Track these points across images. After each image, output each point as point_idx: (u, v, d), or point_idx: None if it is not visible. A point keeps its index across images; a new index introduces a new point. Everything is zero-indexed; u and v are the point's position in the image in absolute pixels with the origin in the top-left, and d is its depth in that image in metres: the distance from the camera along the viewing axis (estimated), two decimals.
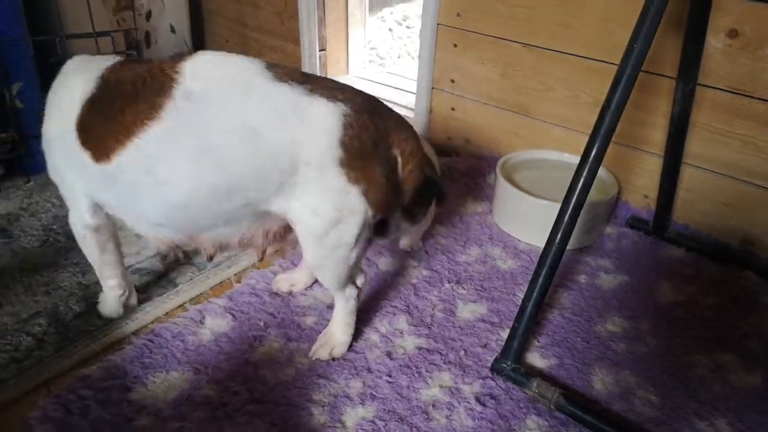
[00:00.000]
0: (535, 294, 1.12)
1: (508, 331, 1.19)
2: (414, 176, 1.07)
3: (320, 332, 1.21)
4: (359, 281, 1.18)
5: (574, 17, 1.59)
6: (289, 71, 0.98)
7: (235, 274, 1.41)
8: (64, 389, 1.06)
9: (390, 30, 3.03)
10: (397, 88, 2.34)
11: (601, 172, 1.54)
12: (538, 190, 1.54)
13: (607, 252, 1.51)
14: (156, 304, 1.29)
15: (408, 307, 1.30)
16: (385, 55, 2.84)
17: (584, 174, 1.10)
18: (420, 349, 1.20)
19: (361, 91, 1.03)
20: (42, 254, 1.43)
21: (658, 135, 1.55)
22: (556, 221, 1.12)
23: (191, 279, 1.38)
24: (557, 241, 1.11)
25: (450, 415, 1.05)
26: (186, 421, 1.02)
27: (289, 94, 0.94)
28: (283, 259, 1.45)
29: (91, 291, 1.32)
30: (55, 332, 1.20)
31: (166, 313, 1.28)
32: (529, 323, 1.13)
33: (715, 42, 1.38)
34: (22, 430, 0.99)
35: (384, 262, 1.44)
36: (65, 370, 1.12)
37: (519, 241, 1.55)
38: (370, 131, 0.97)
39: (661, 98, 1.52)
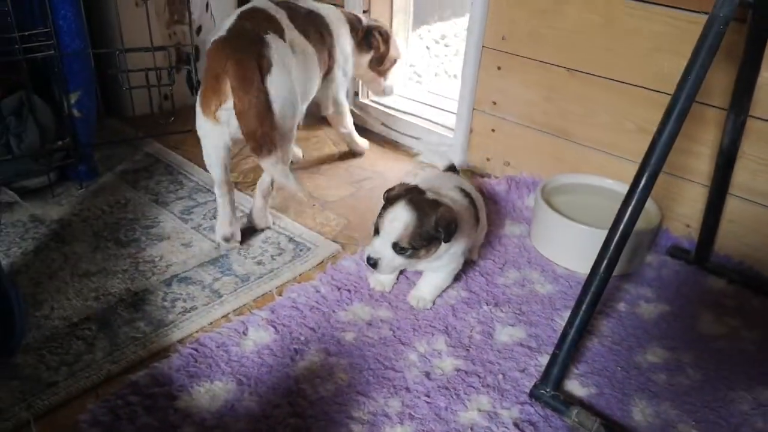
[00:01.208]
0: (577, 321, 1.12)
1: (546, 356, 1.19)
2: None
3: (360, 348, 1.23)
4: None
5: (620, 43, 1.60)
6: None
7: (276, 287, 1.44)
8: (112, 394, 1.10)
9: (427, 48, 3.06)
10: (437, 107, 2.36)
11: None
12: (577, 215, 1.54)
13: (648, 280, 1.50)
14: (201, 313, 1.33)
15: (446, 327, 1.32)
16: (423, 73, 2.87)
17: (633, 203, 1.10)
18: (458, 370, 1.20)
19: None
20: (92, 259, 1.48)
21: (703, 165, 1.54)
22: (602, 249, 1.12)
23: (235, 290, 1.41)
24: (602, 269, 1.11)
25: None
26: (229, 431, 1.04)
27: None
28: (323, 273, 1.47)
29: (139, 298, 1.36)
30: (104, 337, 1.24)
31: (211, 323, 1.31)
32: (570, 350, 1.13)
33: (767, 73, 1.37)
34: None
35: None
36: (113, 375, 1.15)
37: (557, 265, 1.55)
38: None
39: (708, 128, 1.51)
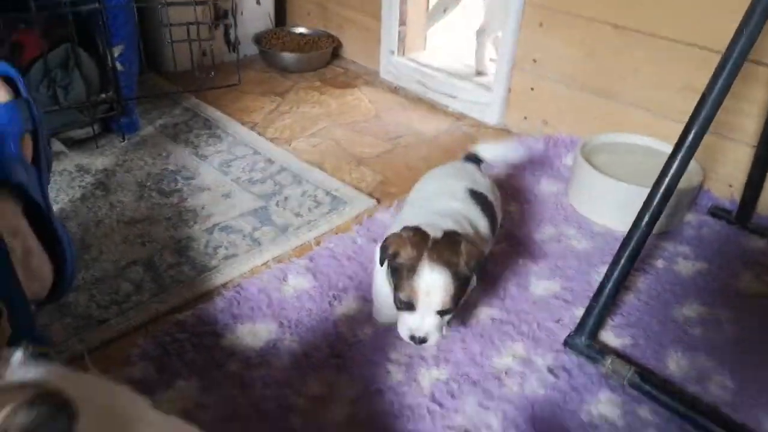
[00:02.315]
0: (616, 274, 1.12)
1: (581, 309, 1.20)
2: None
3: None
4: None
5: None
6: None
7: (314, 238, 1.47)
8: (161, 332, 1.15)
9: (463, 6, 3.01)
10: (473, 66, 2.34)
11: None
12: (617, 173, 1.53)
13: (687, 239, 1.49)
14: (242, 260, 1.37)
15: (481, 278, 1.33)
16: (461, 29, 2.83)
17: (678, 160, 1.09)
18: (493, 319, 1.22)
19: None
20: (137, 208, 1.53)
21: (750, 124, 1.51)
22: (644, 204, 1.11)
23: (274, 239, 1.45)
24: (644, 223, 1.10)
25: (522, 383, 1.08)
26: (272, 369, 1.08)
27: None
28: (360, 225, 1.50)
29: (183, 245, 1.40)
30: (150, 280, 1.29)
31: (251, 270, 1.35)
32: (607, 302, 1.13)
33: None
34: (124, 365, 1.08)
35: None
36: (161, 314, 1.20)
37: (595, 223, 1.54)
38: None
39: (758, 86, 1.47)
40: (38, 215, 1.12)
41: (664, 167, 1.11)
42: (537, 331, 1.19)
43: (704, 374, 1.11)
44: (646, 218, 1.11)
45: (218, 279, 1.31)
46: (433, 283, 0.99)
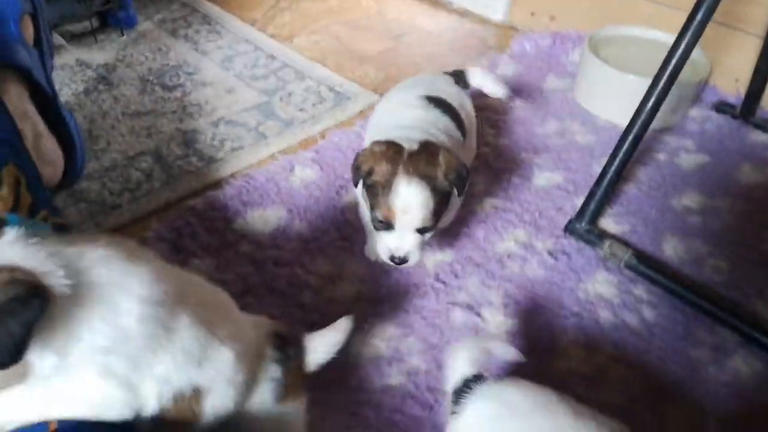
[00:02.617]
0: (617, 160, 1.14)
1: (582, 198, 1.22)
2: None
3: None
4: None
5: None
6: None
7: (319, 132, 1.47)
8: (174, 217, 1.18)
9: None
10: None
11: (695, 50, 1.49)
12: (624, 66, 1.51)
13: (690, 133, 1.49)
14: (249, 152, 1.38)
15: (484, 169, 1.35)
16: None
17: (682, 46, 1.08)
18: (496, 208, 1.25)
19: None
20: (141, 102, 1.52)
21: (759, 13, 1.47)
22: (647, 92, 1.12)
23: (279, 133, 1.45)
24: (648, 108, 1.11)
25: (523, 265, 1.12)
26: (282, 250, 1.12)
27: None
28: (364, 120, 1.50)
29: (189, 137, 1.41)
30: (160, 169, 1.31)
31: (258, 162, 1.36)
32: (608, 188, 1.16)
33: None
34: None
35: None
36: (172, 201, 1.23)
37: (599, 118, 1.55)
38: None
39: None
40: (44, 101, 1.13)
41: (668, 53, 1.10)
42: (538, 219, 1.23)
43: (700, 258, 1.16)
44: (650, 103, 1.11)
45: (226, 169, 1.33)
46: (410, 200, 0.92)
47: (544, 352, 0.98)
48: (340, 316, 0.99)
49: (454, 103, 1.15)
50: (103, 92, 1.54)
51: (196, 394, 0.61)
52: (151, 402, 0.58)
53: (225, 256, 1.10)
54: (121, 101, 1.52)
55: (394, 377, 0.93)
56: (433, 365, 0.95)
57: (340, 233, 1.17)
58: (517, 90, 1.63)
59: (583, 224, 1.17)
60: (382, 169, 0.94)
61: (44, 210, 0.81)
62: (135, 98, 1.53)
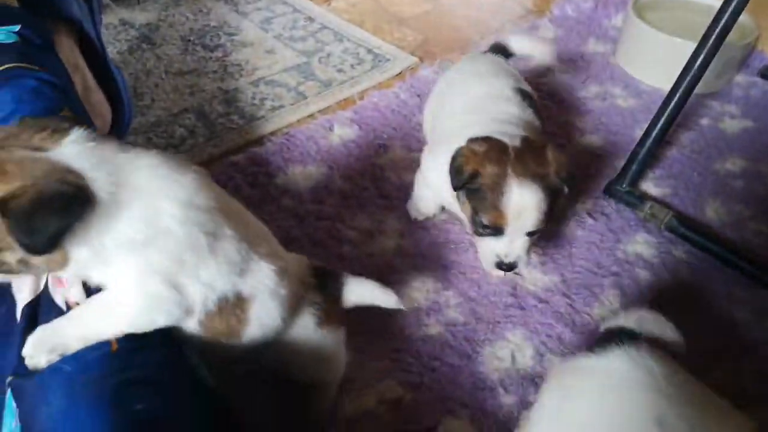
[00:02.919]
0: (661, 123, 1.13)
1: (622, 161, 1.21)
2: None
3: None
4: None
5: None
6: None
7: (358, 93, 1.48)
8: (217, 171, 1.20)
9: None
10: None
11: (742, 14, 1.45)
12: (669, 30, 1.48)
13: (735, 99, 1.46)
14: (289, 111, 1.40)
15: None
16: None
17: (728, 12, 1.05)
18: None
19: None
20: (183, 61, 1.54)
21: None
22: (692, 55, 1.10)
23: (319, 93, 1.47)
24: (693, 72, 1.09)
25: (561, 224, 1.13)
26: (323, 205, 1.14)
27: None
28: (403, 82, 1.50)
29: (230, 96, 1.43)
30: (202, 126, 1.33)
31: (298, 120, 1.38)
32: (651, 150, 1.15)
33: None
34: None
35: None
36: (215, 157, 1.26)
37: (642, 82, 1.52)
38: None
39: None
40: (94, 56, 1.15)
41: (716, 16, 1.07)
42: (578, 179, 1.22)
43: (741, 222, 1.14)
44: (696, 66, 1.09)
45: (267, 127, 1.35)
46: (524, 203, 0.85)
47: (584, 307, 0.98)
48: (380, 269, 1.03)
49: (534, 95, 1.12)
50: (146, 51, 1.57)
51: (240, 301, 0.63)
52: (197, 306, 0.60)
53: (267, 210, 1.12)
54: (164, 60, 1.54)
55: (433, 327, 0.95)
56: (471, 317, 0.97)
57: (380, 190, 1.18)
58: (558, 53, 1.60)
59: (624, 186, 1.16)
60: (488, 171, 0.86)
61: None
62: (177, 57, 1.56)
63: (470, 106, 1.06)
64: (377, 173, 1.23)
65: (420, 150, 1.28)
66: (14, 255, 0.54)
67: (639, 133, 1.33)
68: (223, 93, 1.44)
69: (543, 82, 1.50)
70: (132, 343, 0.56)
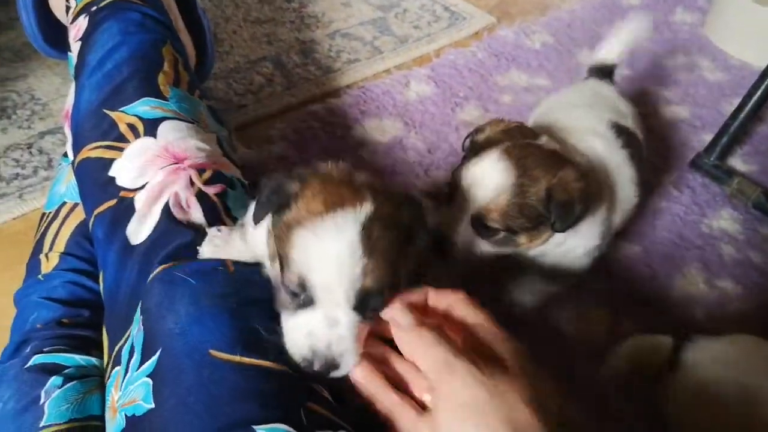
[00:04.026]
0: (757, 95, 1.08)
1: (709, 135, 1.17)
2: None
3: (518, 109, 1.26)
4: None
5: None
6: None
7: (434, 50, 1.46)
8: (295, 119, 1.21)
9: None
10: None
11: None
12: (763, 2, 1.40)
13: None
14: (365, 65, 1.39)
15: None
16: None
17: None
18: None
19: None
20: (261, 9, 1.55)
21: None
22: None
23: (395, 49, 1.45)
24: None
25: (645, 195, 1.09)
26: (398, 160, 1.14)
27: None
28: (480, 41, 1.47)
29: (307, 47, 1.43)
30: (280, 75, 1.34)
31: (374, 75, 1.37)
32: (743, 124, 1.10)
33: None
34: (265, 143, 1.16)
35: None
36: (293, 106, 1.26)
37: (731, 56, 1.45)
38: None
39: None
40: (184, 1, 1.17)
41: None
42: (663, 151, 1.19)
43: None
44: None
45: (343, 80, 1.35)
46: (484, 174, 0.72)
47: (666, 278, 0.96)
48: None
49: (639, 133, 0.93)
50: None
51: None
52: None
53: (345, 161, 1.12)
54: (242, 8, 1.55)
55: None
56: None
57: (454, 148, 1.17)
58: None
59: (712, 159, 1.12)
60: (491, 134, 0.77)
61: (197, 90, 0.86)
62: (255, 6, 1.56)
63: (560, 122, 0.91)
64: (452, 131, 1.21)
65: (497, 110, 1.27)
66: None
67: (726, 107, 1.29)
68: (299, 43, 1.44)
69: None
70: (245, 268, 0.58)
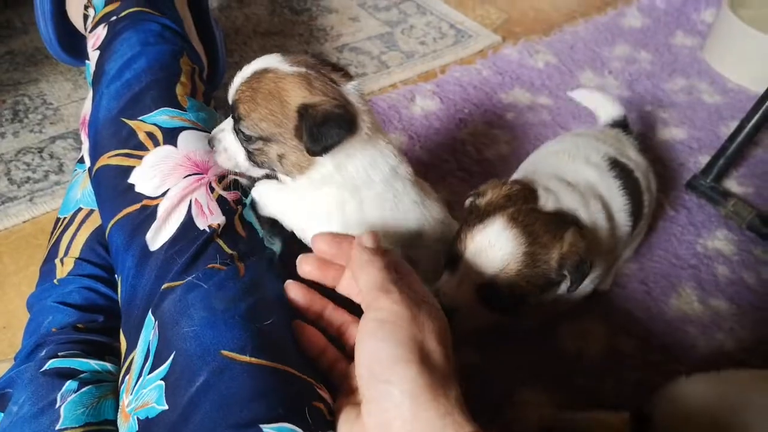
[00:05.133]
0: (755, 118, 1.11)
1: (706, 156, 1.21)
2: None
3: (521, 126, 1.29)
4: None
5: None
6: None
7: (440, 66, 1.49)
8: None
9: None
10: None
11: None
12: (764, 29, 1.44)
13: None
14: (371, 79, 1.42)
15: None
16: None
17: None
18: None
19: None
20: (271, 22, 1.58)
21: None
22: None
23: (401, 64, 1.48)
24: None
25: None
26: None
27: None
28: (485, 59, 1.50)
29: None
30: None
31: (380, 89, 1.40)
32: (740, 147, 1.13)
33: None
34: None
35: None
36: None
37: (729, 80, 1.49)
38: None
39: None
40: (196, 10, 1.19)
41: None
42: (660, 171, 1.21)
43: None
44: None
45: None
46: (491, 244, 0.71)
47: (661, 296, 0.99)
48: None
49: (639, 176, 0.92)
50: (235, 9, 1.61)
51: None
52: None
53: None
54: (253, 20, 1.58)
55: None
56: None
57: (459, 163, 1.20)
58: (644, 43, 1.59)
59: (708, 181, 1.15)
60: (493, 198, 0.77)
61: (212, 100, 0.88)
62: (265, 18, 1.59)
63: (550, 156, 0.95)
64: (457, 146, 1.24)
65: (500, 127, 1.30)
66: (279, 149, 0.68)
67: (724, 130, 1.32)
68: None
69: (627, 69, 1.49)
70: (256, 270, 0.61)
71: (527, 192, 0.78)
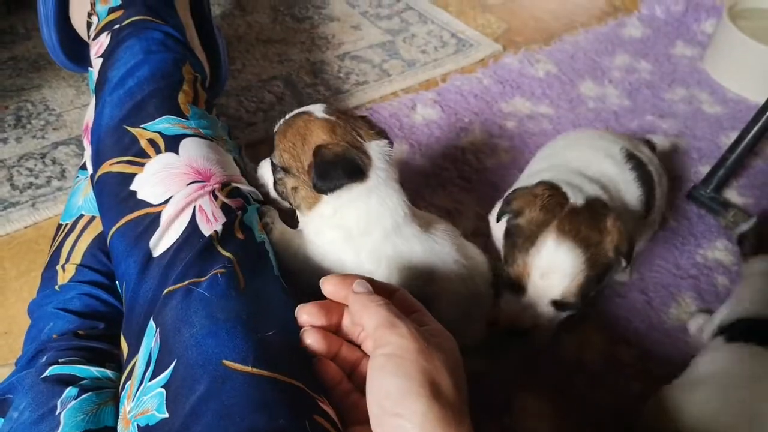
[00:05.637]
0: (756, 128, 1.11)
1: (707, 167, 1.21)
2: None
3: (521, 135, 1.30)
4: None
5: None
6: None
7: (441, 75, 1.50)
8: None
9: None
10: None
11: None
12: (764, 40, 1.45)
13: None
14: (373, 87, 1.42)
15: (606, 129, 1.34)
16: None
17: None
18: None
19: None
20: (273, 29, 1.59)
21: None
22: None
23: (402, 72, 1.49)
24: None
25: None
26: (403, 181, 1.17)
27: None
28: (486, 68, 1.51)
29: (317, 68, 1.47)
30: (290, 94, 1.38)
31: (381, 97, 1.41)
32: (740, 157, 1.13)
33: None
34: None
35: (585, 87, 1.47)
36: None
37: (729, 90, 1.49)
38: None
39: None
40: (199, 17, 1.20)
41: None
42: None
43: None
44: None
45: (351, 101, 1.38)
46: (554, 264, 0.76)
47: (661, 305, 0.99)
48: None
49: (652, 169, 0.98)
50: (237, 17, 1.62)
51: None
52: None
53: None
54: (255, 27, 1.59)
55: None
56: None
57: (460, 172, 1.20)
58: (644, 53, 1.59)
59: (708, 191, 1.15)
60: (533, 215, 0.79)
61: (213, 108, 0.89)
62: (267, 26, 1.60)
63: (567, 150, 0.99)
64: (458, 155, 1.25)
65: (501, 135, 1.31)
66: (294, 182, 0.75)
67: (724, 140, 1.32)
68: (310, 64, 1.48)
69: (628, 79, 1.49)
70: (257, 283, 0.61)
71: (557, 195, 0.81)
